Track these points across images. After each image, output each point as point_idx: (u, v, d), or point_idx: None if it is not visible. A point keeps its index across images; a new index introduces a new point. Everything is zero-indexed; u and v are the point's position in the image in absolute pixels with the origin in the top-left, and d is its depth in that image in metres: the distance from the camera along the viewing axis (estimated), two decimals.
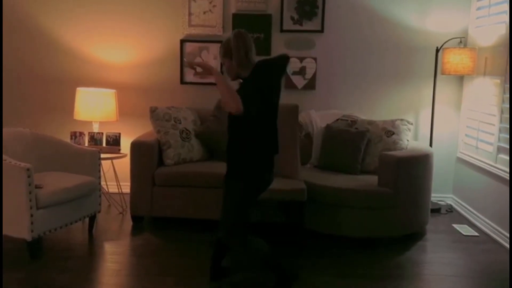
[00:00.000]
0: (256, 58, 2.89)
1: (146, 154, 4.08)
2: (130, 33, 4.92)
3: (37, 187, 3.38)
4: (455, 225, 4.35)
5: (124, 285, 3.11)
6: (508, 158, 3.85)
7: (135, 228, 4.14)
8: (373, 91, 4.92)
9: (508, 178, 3.80)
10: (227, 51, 2.84)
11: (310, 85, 4.89)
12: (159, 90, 4.93)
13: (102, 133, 4.58)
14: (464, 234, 4.14)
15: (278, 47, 4.85)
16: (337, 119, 4.60)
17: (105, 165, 4.48)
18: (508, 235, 3.80)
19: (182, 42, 4.86)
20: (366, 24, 4.84)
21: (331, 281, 3.21)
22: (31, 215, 3.29)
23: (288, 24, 4.83)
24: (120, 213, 4.48)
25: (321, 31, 4.83)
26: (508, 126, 3.86)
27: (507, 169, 3.84)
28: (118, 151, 4.54)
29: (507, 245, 3.79)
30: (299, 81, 4.88)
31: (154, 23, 4.89)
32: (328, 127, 4.46)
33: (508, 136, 3.85)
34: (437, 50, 4.67)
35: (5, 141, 3.74)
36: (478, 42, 4.54)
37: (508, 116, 3.89)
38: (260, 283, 3.15)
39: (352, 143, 4.22)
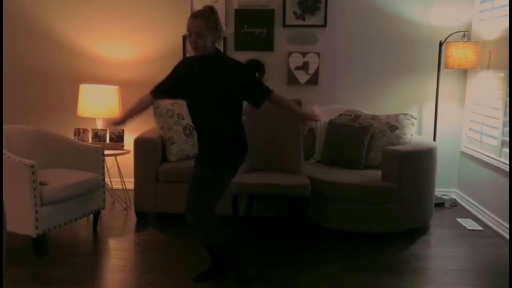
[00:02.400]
0: None
1: (149, 151, 4.09)
2: (133, 29, 4.92)
3: (41, 184, 3.39)
4: (459, 219, 4.34)
5: (129, 281, 3.12)
6: None
7: (139, 224, 4.15)
8: (376, 86, 4.91)
9: None
10: (213, 24, 2.76)
11: (313, 80, 4.88)
12: None
13: (106, 130, 4.59)
14: (468, 228, 4.13)
15: (280, 42, 4.84)
16: (340, 114, 4.59)
17: (109, 161, 4.49)
18: None
19: (185, 38, 4.86)
20: (369, 18, 4.82)
21: (335, 275, 3.21)
22: (36, 212, 3.30)
23: (290, 19, 4.81)
24: (124, 209, 4.49)
25: (324, 25, 4.81)
26: None
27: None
28: (121, 147, 4.55)
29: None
30: (302, 76, 4.87)
31: (156, 19, 4.89)
32: (331, 122, 4.45)
33: None
34: (441, 44, 4.65)
35: (9, 138, 3.76)
36: (482, 36, 4.51)
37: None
38: (262, 279, 3.16)
39: (356, 138, 4.21)
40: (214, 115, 2.85)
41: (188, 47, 4.82)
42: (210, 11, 2.78)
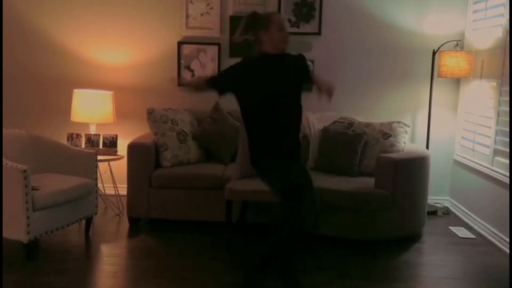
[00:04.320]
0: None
1: (143, 156, 4.08)
2: (128, 35, 4.92)
3: (33, 189, 3.37)
4: (451, 227, 4.35)
5: (121, 287, 3.10)
6: (505, 160, 3.86)
7: (132, 230, 4.13)
8: (370, 93, 4.93)
9: (507, 180, 3.80)
10: None
11: (307, 87, 4.87)
12: (156, 92, 4.92)
13: (99, 135, 4.58)
14: (461, 236, 4.15)
15: None
16: (334, 121, 4.60)
17: (102, 167, 4.47)
18: (505, 237, 3.80)
19: (180, 44, 4.86)
20: (363, 27, 4.85)
21: (329, 281, 3.21)
22: (28, 217, 3.28)
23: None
24: (117, 215, 4.47)
25: (319, 33, 4.83)
26: (507, 129, 3.87)
27: (504, 172, 3.85)
28: (115, 153, 4.54)
29: (504, 247, 3.80)
30: None
31: (151, 25, 4.89)
32: (325, 129, 4.47)
33: (506, 139, 3.87)
34: (434, 53, 4.68)
35: (2, 143, 3.73)
36: (475, 45, 4.55)
37: (504, 118, 3.91)
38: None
39: (349, 145, 4.22)
40: (296, 107, 3.00)
41: (183, 52, 4.86)
42: None
